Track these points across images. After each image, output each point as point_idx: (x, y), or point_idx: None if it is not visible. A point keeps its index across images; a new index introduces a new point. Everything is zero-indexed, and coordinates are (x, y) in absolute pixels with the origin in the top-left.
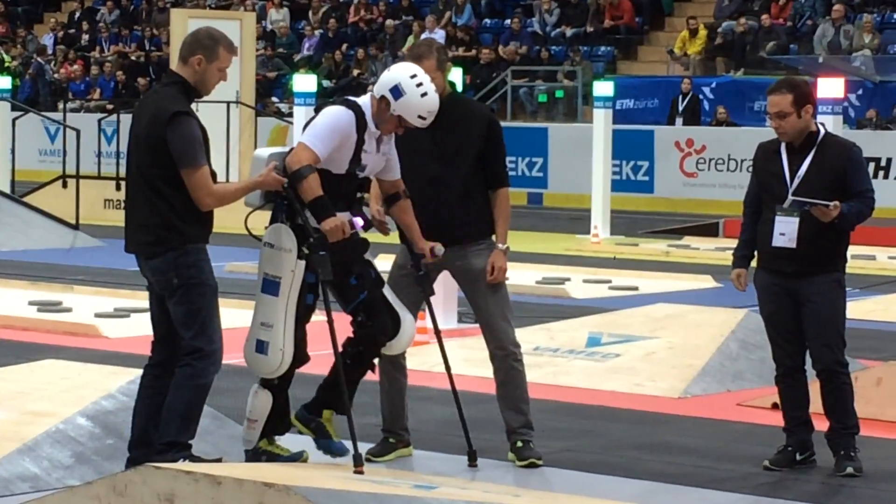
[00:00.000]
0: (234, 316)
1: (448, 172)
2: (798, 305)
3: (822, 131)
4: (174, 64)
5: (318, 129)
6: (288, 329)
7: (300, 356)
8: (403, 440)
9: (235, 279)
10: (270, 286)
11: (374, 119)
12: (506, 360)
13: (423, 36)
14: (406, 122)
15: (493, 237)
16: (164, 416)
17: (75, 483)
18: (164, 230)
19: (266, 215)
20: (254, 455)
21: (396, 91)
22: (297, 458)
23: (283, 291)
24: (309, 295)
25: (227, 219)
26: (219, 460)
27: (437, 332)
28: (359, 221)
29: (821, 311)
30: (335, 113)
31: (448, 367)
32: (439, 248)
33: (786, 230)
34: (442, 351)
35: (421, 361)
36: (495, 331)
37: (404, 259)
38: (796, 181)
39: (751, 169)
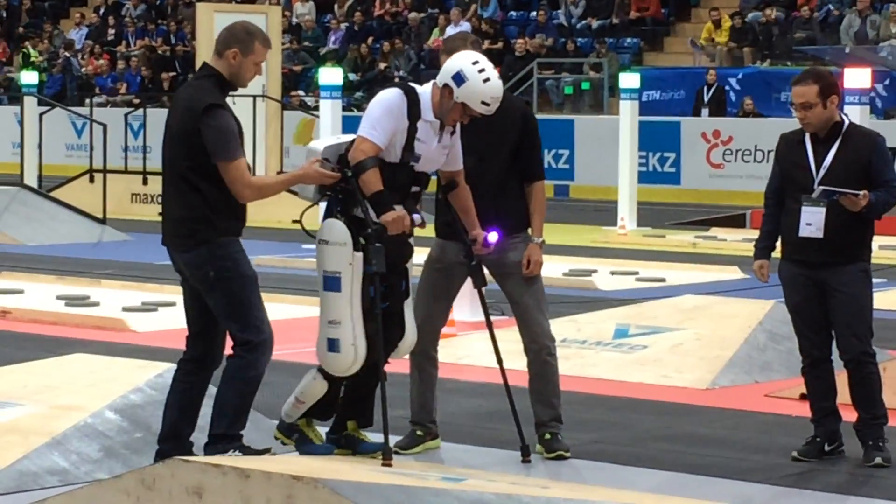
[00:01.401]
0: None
1: (483, 167)
2: (825, 296)
3: (847, 121)
4: (200, 58)
5: (372, 118)
6: (357, 323)
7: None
8: (431, 432)
9: (264, 272)
10: (332, 283)
11: (437, 109)
12: (540, 353)
13: (449, 29)
14: (470, 110)
15: (529, 231)
16: (216, 408)
17: (104, 477)
18: (198, 223)
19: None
20: (288, 428)
21: (459, 78)
22: (329, 451)
23: (346, 286)
24: (371, 287)
25: (255, 213)
26: (268, 450)
27: (489, 325)
28: (417, 218)
29: (848, 302)
30: (387, 96)
31: (500, 360)
32: (493, 236)
33: (812, 220)
34: (494, 344)
35: (449, 354)
36: (530, 324)
37: (439, 253)
38: (822, 171)
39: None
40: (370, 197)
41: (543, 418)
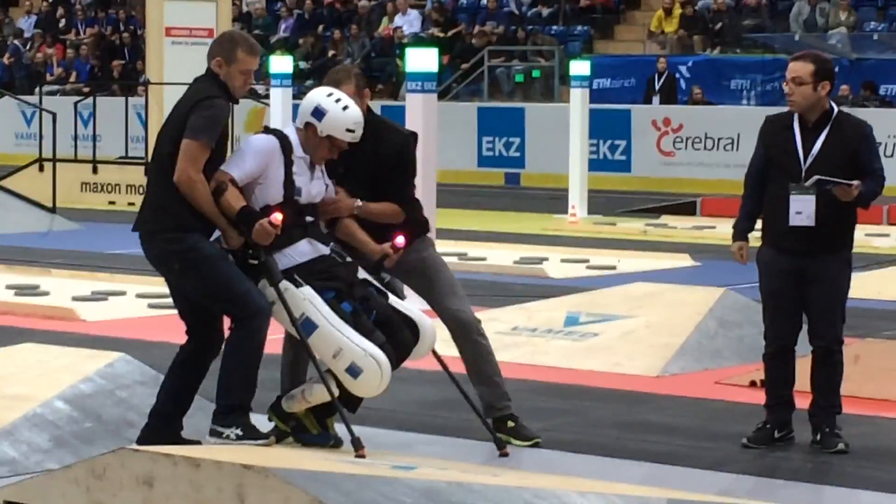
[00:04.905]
0: None
1: (363, 195)
2: (804, 283)
3: (836, 109)
4: (150, 47)
5: (237, 156)
6: (355, 338)
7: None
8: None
9: None
10: (306, 326)
11: (305, 148)
12: (470, 334)
13: (397, 18)
14: (337, 141)
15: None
16: (224, 381)
17: (54, 467)
18: (162, 211)
19: None
20: (286, 414)
21: (318, 112)
22: (326, 440)
23: (318, 319)
24: (343, 304)
25: None
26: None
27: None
28: (277, 217)
29: (829, 290)
30: (258, 139)
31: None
32: (400, 240)
33: (803, 209)
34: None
35: None
36: (448, 308)
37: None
38: (810, 159)
39: (756, 142)
40: (236, 217)
41: (490, 399)
